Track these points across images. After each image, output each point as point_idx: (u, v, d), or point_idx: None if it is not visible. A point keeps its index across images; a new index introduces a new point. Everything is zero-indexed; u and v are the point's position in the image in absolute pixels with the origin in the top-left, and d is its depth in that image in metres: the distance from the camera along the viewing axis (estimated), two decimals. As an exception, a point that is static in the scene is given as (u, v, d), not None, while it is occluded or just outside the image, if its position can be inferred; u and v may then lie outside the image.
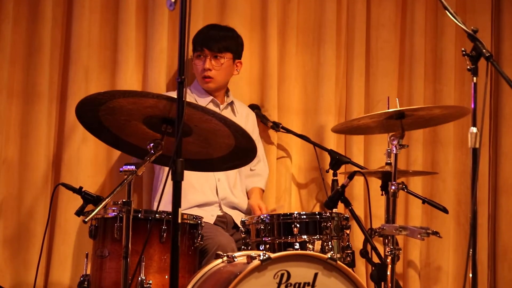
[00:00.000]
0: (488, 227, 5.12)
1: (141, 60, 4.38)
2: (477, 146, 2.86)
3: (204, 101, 4.22)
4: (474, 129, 2.85)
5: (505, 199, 5.10)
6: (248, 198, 4.30)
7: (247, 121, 4.37)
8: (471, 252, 2.83)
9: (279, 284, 3.07)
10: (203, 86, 4.24)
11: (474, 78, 2.88)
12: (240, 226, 3.65)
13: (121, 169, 2.98)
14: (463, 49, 2.89)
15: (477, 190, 2.89)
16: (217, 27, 4.31)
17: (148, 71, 4.34)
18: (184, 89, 2.64)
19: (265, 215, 3.54)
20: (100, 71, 4.30)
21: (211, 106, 4.22)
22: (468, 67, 2.88)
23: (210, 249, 3.63)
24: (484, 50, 2.84)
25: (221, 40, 4.20)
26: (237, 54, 4.29)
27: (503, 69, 3.98)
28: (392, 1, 4.99)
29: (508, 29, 5.22)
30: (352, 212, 3.81)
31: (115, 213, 3.27)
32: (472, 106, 2.88)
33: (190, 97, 4.21)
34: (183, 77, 2.64)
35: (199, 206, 4.07)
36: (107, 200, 2.93)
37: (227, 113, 4.27)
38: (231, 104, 4.33)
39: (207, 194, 4.12)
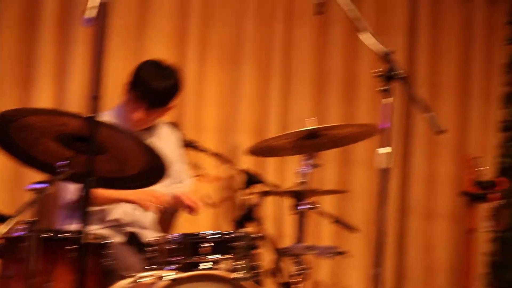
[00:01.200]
0: (396, 246, 5.21)
1: (58, 78, 4.31)
2: (385, 166, 2.91)
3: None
4: (382, 150, 2.90)
5: (413, 219, 5.21)
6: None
7: (169, 141, 4.23)
8: (376, 271, 2.88)
9: (186, 304, 3.05)
10: (131, 128, 3.98)
11: (385, 99, 2.93)
12: (148, 246, 3.59)
13: (28, 187, 2.93)
14: (373, 70, 2.94)
15: (386, 209, 2.94)
16: (161, 76, 3.99)
17: (65, 89, 4.29)
18: (98, 107, 2.61)
19: (173, 235, 3.49)
20: (14, 87, 4.23)
21: None
22: (380, 88, 2.93)
23: (118, 270, 3.57)
24: (396, 72, 2.91)
25: (166, 99, 3.97)
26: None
27: (417, 90, 4.08)
28: (310, 21, 5.04)
29: (422, 50, 5.34)
30: (262, 231, 3.83)
31: (22, 233, 3.20)
32: (383, 126, 2.94)
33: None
34: (96, 94, 2.61)
35: (108, 224, 4.01)
36: (14, 219, 2.87)
37: (148, 134, 4.10)
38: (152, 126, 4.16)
39: (118, 212, 4.04)
